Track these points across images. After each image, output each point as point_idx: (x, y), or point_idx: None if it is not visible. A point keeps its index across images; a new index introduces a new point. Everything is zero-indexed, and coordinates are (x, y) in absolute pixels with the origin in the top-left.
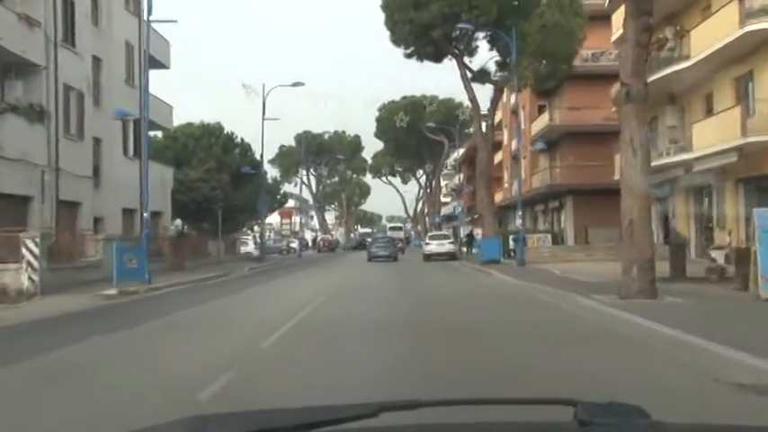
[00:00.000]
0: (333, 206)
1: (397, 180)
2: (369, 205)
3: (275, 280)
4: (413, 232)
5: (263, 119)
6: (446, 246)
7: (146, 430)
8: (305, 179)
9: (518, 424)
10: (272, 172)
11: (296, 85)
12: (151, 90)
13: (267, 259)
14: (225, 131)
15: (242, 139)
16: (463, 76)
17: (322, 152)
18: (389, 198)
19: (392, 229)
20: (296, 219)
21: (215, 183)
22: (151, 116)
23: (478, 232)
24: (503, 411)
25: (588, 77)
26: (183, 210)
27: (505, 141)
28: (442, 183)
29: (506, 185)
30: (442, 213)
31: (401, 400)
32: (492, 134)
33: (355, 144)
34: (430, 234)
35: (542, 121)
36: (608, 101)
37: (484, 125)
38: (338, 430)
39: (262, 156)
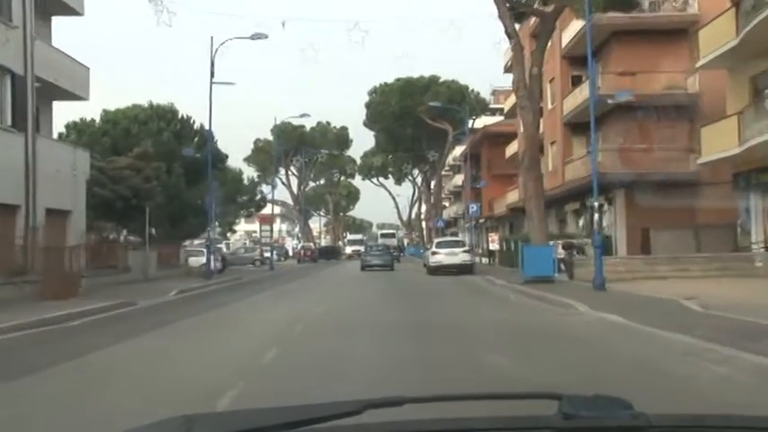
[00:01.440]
0: (319, 212)
1: (389, 182)
2: (358, 211)
3: (207, 313)
4: (406, 240)
5: (211, 82)
6: (459, 255)
7: (132, 431)
8: (288, 179)
9: (503, 418)
10: (248, 171)
11: (256, 37)
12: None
13: (229, 273)
14: (180, 115)
15: (201, 126)
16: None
17: (303, 146)
18: (380, 205)
19: (384, 236)
20: (282, 226)
21: (151, 172)
22: (57, 78)
23: (494, 239)
24: (488, 407)
25: (644, 34)
26: (106, 208)
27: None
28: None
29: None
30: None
31: (387, 398)
32: (539, 87)
33: (342, 137)
34: (438, 240)
35: (581, 93)
36: (672, 63)
37: (528, 71)
38: (324, 428)
39: (210, 132)
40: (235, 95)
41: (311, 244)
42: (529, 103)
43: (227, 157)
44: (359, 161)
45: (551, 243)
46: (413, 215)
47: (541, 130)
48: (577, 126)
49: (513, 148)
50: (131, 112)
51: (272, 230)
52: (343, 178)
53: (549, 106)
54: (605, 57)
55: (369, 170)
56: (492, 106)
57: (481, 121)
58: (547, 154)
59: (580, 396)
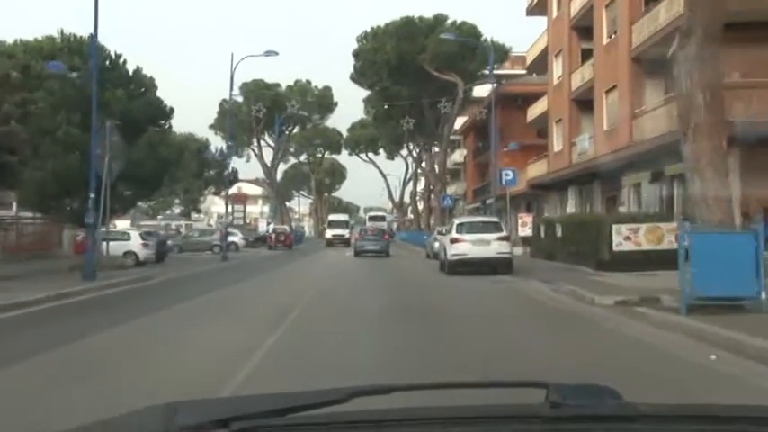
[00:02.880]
0: (301, 193)
1: (380, 159)
2: (345, 193)
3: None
4: (395, 224)
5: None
6: (494, 245)
7: (116, 419)
8: (260, 150)
9: (490, 406)
10: (215, 141)
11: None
12: None
13: (166, 264)
14: (107, 52)
15: (138, 69)
16: None
17: (278, 109)
18: (368, 186)
19: (372, 219)
20: (265, 208)
21: (11, 109)
22: None
23: (525, 221)
24: (475, 395)
25: None
26: None
27: (558, 74)
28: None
29: (556, 149)
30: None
31: (374, 385)
32: None
33: (324, 100)
34: (460, 221)
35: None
36: None
37: None
38: (310, 416)
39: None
40: (207, 58)
41: (285, 227)
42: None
43: (171, 111)
44: (345, 135)
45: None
46: (405, 196)
47: (545, 107)
48: (586, 102)
49: (538, 110)
50: (37, 45)
51: (244, 211)
52: (327, 154)
53: (555, 81)
54: None
55: (356, 144)
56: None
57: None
58: (551, 133)
59: (567, 385)
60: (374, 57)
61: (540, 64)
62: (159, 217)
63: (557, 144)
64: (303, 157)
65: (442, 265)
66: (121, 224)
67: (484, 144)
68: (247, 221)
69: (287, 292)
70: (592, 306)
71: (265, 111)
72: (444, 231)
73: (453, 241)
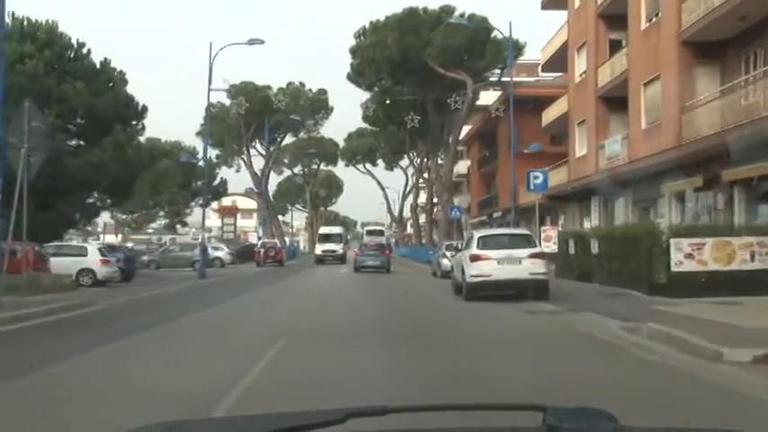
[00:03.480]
0: (296, 206)
1: (378, 170)
2: (341, 207)
3: None
4: (394, 239)
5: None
6: (526, 264)
7: None
8: (249, 158)
9: (488, 429)
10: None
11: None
12: None
13: (134, 284)
14: (68, 40)
15: (106, 60)
16: None
17: (269, 113)
18: (366, 200)
19: (371, 233)
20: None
21: None
22: None
23: (549, 235)
24: (473, 418)
25: None
26: None
27: (580, 69)
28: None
29: (578, 154)
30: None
31: (370, 407)
32: None
33: (319, 104)
34: (483, 234)
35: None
36: None
37: None
38: None
39: None
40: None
41: (275, 241)
42: None
43: (144, 110)
44: (342, 145)
45: None
46: (405, 209)
47: (565, 107)
48: (616, 100)
49: (555, 112)
50: None
51: (235, 224)
52: (323, 165)
53: (577, 78)
54: None
55: (353, 155)
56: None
57: (487, 96)
58: (573, 137)
59: (564, 408)
60: (374, 53)
61: (558, 61)
62: (150, 230)
63: (579, 148)
64: (297, 169)
65: (458, 287)
66: (109, 238)
67: (491, 152)
68: (239, 235)
69: (259, 331)
70: (717, 364)
71: (255, 115)
72: (460, 246)
73: (474, 259)
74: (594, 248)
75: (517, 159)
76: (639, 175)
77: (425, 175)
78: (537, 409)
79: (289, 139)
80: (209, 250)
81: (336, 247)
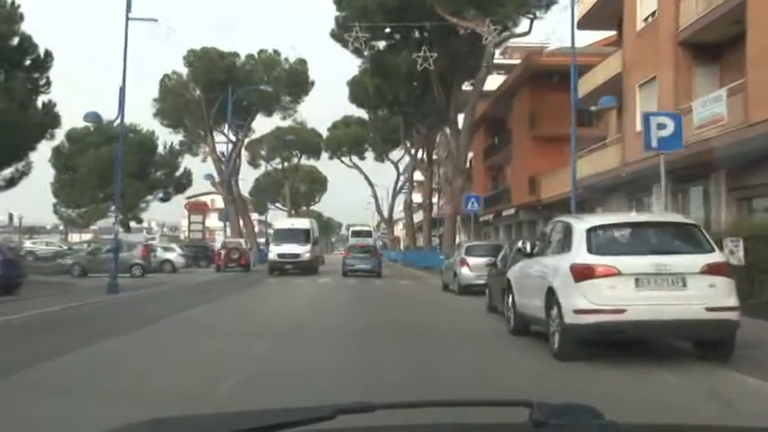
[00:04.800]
0: (277, 205)
1: (367, 164)
2: (326, 208)
3: None
4: (383, 242)
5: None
6: (696, 288)
7: None
8: (211, 137)
9: (475, 425)
10: (164, 135)
11: None
12: None
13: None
14: None
15: None
16: None
17: (235, 86)
18: (353, 203)
19: (357, 234)
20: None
21: None
22: None
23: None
24: (460, 414)
25: None
26: None
27: (647, 11)
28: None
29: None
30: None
31: (358, 403)
32: None
33: (298, 76)
34: (595, 225)
35: None
36: None
37: None
38: None
39: None
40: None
41: (240, 241)
42: None
43: (48, 57)
44: (326, 135)
45: None
46: (396, 208)
47: (617, 67)
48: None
49: (601, 77)
50: None
51: (203, 222)
52: (304, 159)
53: (639, 25)
54: None
55: (338, 146)
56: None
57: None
58: (632, 102)
59: (550, 404)
60: (364, 1)
61: (604, 12)
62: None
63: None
64: (276, 162)
65: (518, 324)
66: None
67: (500, 139)
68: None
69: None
70: None
71: (218, 87)
72: (535, 248)
73: (582, 275)
74: None
75: (533, 145)
76: (752, 149)
77: (430, 157)
78: (523, 405)
79: (262, 121)
80: (159, 252)
81: (300, 250)
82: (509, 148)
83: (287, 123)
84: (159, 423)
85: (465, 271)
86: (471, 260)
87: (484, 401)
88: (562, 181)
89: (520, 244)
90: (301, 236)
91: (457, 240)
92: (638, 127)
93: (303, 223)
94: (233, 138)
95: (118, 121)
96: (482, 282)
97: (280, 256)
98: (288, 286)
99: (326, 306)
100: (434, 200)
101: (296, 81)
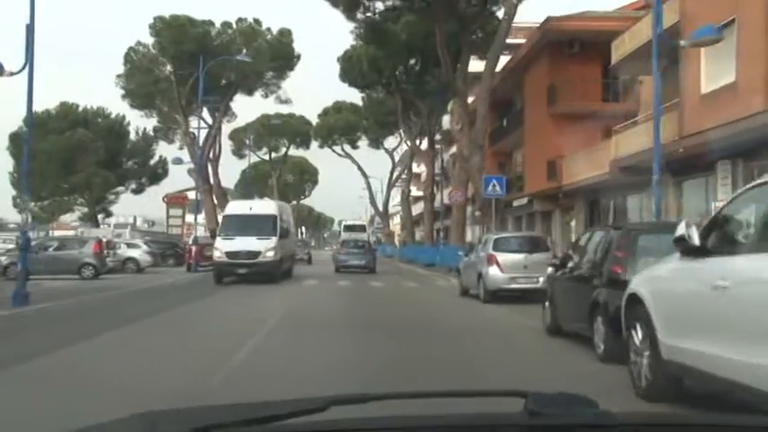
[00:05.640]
0: (265, 199)
1: (360, 153)
2: (316, 202)
3: None
4: (377, 237)
5: None
6: None
7: (93, 428)
8: (184, 117)
9: (470, 415)
10: (137, 120)
11: None
12: None
13: None
14: None
15: None
16: None
17: (209, 57)
18: (344, 198)
19: (350, 228)
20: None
21: None
22: None
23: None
24: (454, 404)
25: None
26: None
27: None
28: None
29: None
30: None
31: (351, 394)
32: None
33: (282, 49)
34: None
35: None
36: None
37: None
38: (289, 425)
39: None
40: None
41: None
42: None
43: None
44: (316, 122)
45: None
46: (390, 201)
47: (675, 17)
48: None
49: (636, 40)
50: None
51: (183, 216)
52: (293, 149)
53: None
54: None
55: (329, 134)
56: None
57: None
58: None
59: (545, 394)
60: None
61: None
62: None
63: (709, 79)
64: (263, 152)
65: (665, 380)
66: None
67: (509, 121)
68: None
69: None
70: None
71: (190, 60)
72: (714, 237)
73: None
74: None
75: (552, 124)
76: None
77: (432, 141)
78: (518, 396)
79: (243, 102)
80: (122, 249)
81: (259, 246)
82: (520, 130)
83: (270, 102)
84: (152, 416)
85: (494, 272)
86: (502, 257)
87: (478, 392)
88: (591, 163)
89: (682, 228)
90: (263, 224)
91: (468, 234)
92: (704, 88)
93: (266, 207)
94: (210, 119)
95: (24, 72)
96: (517, 286)
97: (230, 254)
98: (263, 292)
99: (312, 321)
100: (433, 193)
101: (280, 54)
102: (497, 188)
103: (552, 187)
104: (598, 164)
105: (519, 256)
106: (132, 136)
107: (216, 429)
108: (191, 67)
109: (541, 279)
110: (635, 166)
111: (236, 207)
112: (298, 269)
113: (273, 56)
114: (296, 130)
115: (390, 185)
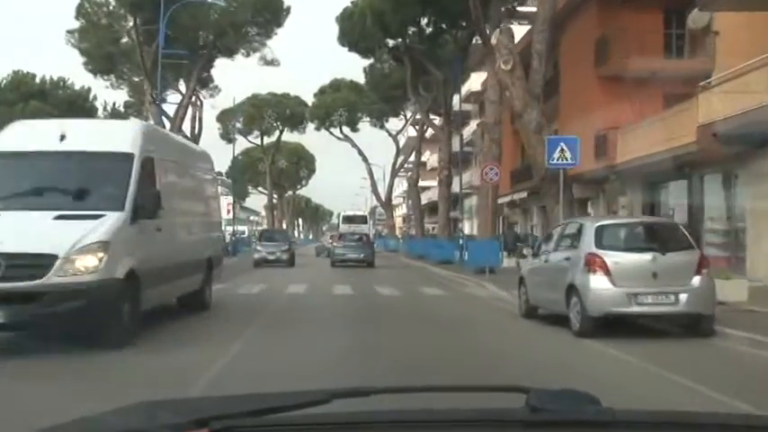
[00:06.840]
0: (259, 189)
1: (361, 137)
2: (314, 193)
3: None
4: (376, 229)
5: None
6: None
7: (94, 417)
8: (150, 80)
9: (471, 410)
10: (101, 91)
11: None
12: None
13: None
14: None
15: None
16: None
17: (173, 4)
18: (343, 188)
19: (349, 219)
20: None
21: None
22: None
23: None
24: (455, 399)
25: None
26: None
27: None
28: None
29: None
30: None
31: (354, 387)
32: None
33: (269, 1)
34: None
35: None
36: None
37: None
38: (290, 417)
39: None
40: None
41: None
42: None
43: None
44: (312, 101)
45: None
46: (394, 190)
47: None
48: None
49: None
50: None
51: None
52: (287, 133)
53: None
54: None
55: (327, 114)
56: None
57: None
58: None
59: (547, 390)
60: None
61: None
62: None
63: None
64: (255, 136)
65: None
66: None
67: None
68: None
69: None
70: None
71: (152, 14)
72: None
73: None
74: None
75: (602, 89)
76: None
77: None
78: (520, 391)
79: (225, 68)
80: None
81: (56, 239)
82: (554, 101)
83: (253, 60)
84: (153, 405)
85: (600, 283)
86: (613, 259)
87: (480, 387)
88: (660, 135)
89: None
90: (92, 181)
91: (466, 227)
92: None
93: (107, 136)
94: (185, 90)
95: None
96: (640, 310)
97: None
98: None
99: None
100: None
101: (265, 6)
102: (567, 155)
103: (603, 167)
104: (673, 135)
105: (643, 258)
106: (100, 112)
107: (216, 421)
108: (156, 22)
109: (683, 297)
110: (739, 134)
111: (24, 134)
112: (272, 273)
113: (258, 8)
114: (290, 111)
115: (394, 173)
